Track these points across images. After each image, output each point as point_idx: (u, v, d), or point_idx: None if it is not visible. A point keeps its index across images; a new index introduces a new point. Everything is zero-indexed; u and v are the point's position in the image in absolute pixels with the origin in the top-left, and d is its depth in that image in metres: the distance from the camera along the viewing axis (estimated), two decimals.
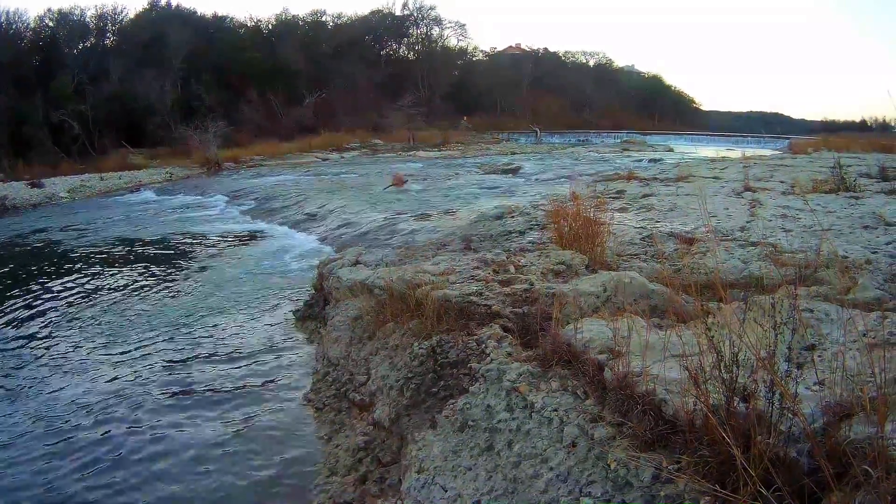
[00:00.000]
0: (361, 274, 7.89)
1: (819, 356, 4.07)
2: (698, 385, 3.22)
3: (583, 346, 4.56)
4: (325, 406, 6.60)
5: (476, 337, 5.40)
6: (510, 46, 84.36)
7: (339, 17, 70.44)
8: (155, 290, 11.75)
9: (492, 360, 4.97)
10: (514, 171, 26.81)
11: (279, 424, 6.52)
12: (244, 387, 7.37)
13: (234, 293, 11.17)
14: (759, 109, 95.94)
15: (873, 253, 7.24)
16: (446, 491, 4.28)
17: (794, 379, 3.10)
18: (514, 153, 39.71)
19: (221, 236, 17.25)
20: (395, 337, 6.18)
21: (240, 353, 8.39)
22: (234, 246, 15.90)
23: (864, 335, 4.35)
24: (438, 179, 23.95)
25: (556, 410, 4.05)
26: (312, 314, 9.05)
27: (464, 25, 78.23)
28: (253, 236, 17.06)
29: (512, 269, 7.01)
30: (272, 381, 7.50)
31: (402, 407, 5.40)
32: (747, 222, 9.41)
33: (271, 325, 9.42)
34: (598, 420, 3.82)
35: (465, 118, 61.18)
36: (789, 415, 3.07)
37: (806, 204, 10.54)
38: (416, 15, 71.05)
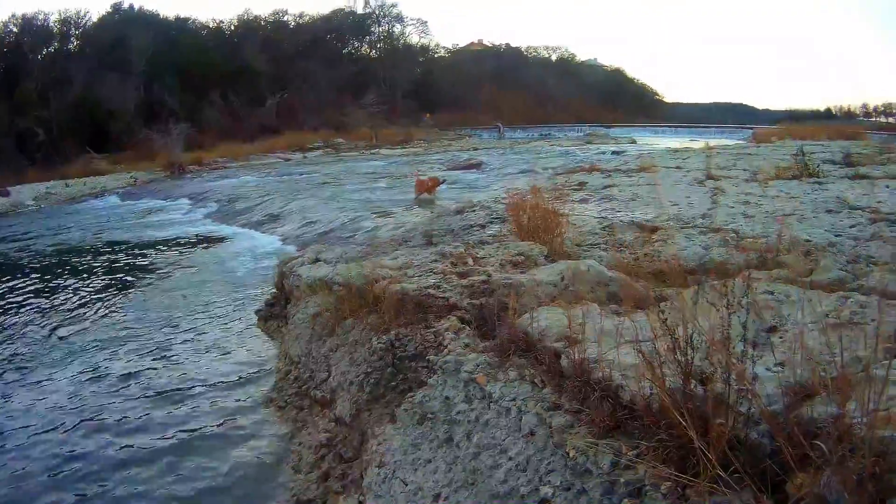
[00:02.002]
0: (321, 271, 7.79)
1: (780, 338, 4.03)
2: (653, 368, 3.17)
3: (539, 334, 4.48)
4: (288, 404, 6.48)
5: (434, 329, 5.30)
6: (472, 43, 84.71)
7: (300, 16, 70.32)
8: (117, 295, 11.52)
9: (449, 351, 4.88)
10: (477, 167, 26.68)
11: (242, 424, 6.40)
12: (206, 389, 7.22)
13: (197, 296, 11.00)
14: (723, 101, 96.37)
15: (837, 236, 7.24)
16: (407, 485, 4.20)
17: (750, 359, 3.05)
18: (476, 149, 39.62)
19: (185, 240, 17.06)
20: (354, 332, 6.08)
21: (201, 355, 8.26)
22: (198, 249, 15.72)
23: (826, 316, 4.33)
24: (401, 177, 23.76)
25: (514, 400, 3.97)
26: (274, 313, 8.91)
27: (426, 22, 78.45)
28: (216, 239, 16.88)
29: (470, 261, 6.91)
30: (234, 382, 7.36)
31: (362, 402, 5.31)
32: (709, 209, 9.38)
33: (234, 326, 9.30)
34: (556, 408, 3.74)
35: (427, 115, 61.24)
36: (748, 396, 3.04)
37: (768, 190, 10.57)
38: (377, 13, 71.17)
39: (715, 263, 6.46)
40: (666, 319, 3.19)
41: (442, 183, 17.90)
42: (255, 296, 10.43)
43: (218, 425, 6.44)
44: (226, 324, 9.43)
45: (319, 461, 5.40)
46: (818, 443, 2.60)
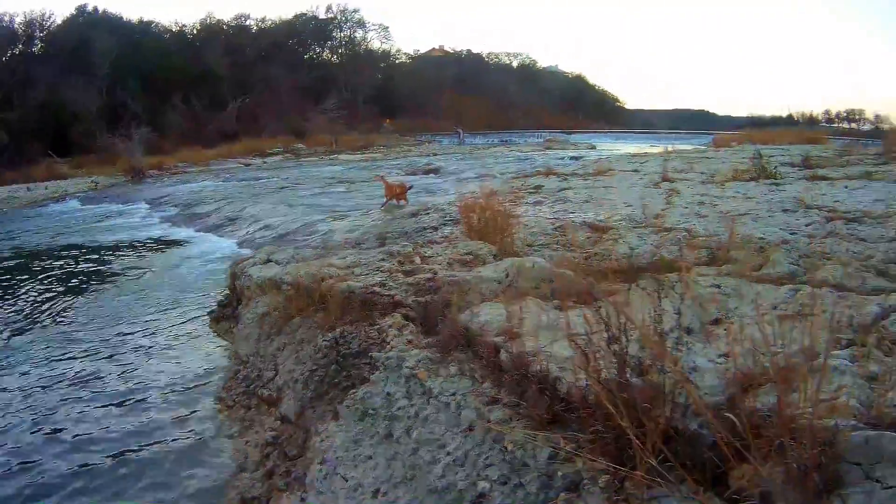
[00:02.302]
0: (271, 271, 7.68)
1: (725, 329, 4.01)
2: (587, 359, 3.11)
3: (480, 329, 4.42)
4: (236, 404, 6.35)
5: (378, 326, 5.21)
6: (433, 49, 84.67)
7: (262, 20, 69.61)
8: (71, 299, 11.20)
9: (392, 348, 4.79)
10: (435, 171, 26.50)
11: (190, 425, 6.28)
12: (157, 391, 7.06)
13: (151, 299, 10.80)
14: (684, 107, 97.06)
15: (792, 234, 7.19)
16: (347, 481, 4.11)
17: (684, 347, 3.02)
18: (435, 154, 39.33)
19: (141, 243, 16.76)
20: (301, 331, 5.98)
21: (153, 357, 8.10)
22: (154, 252, 15.44)
23: (775, 308, 4.32)
24: (359, 182, 23.62)
25: (454, 395, 3.90)
26: (226, 314, 8.75)
27: (387, 28, 78.10)
28: (173, 242, 16.63)
29: (417, 260, 6.82)
30: (184, 383, 7.21)
31: (306, 400, 5.21)
32: (662, 210, 9.33)
33: (186, 327, 9.15)
34: (494, 402, 3.68)
35: (387, 121, 61.00)
36: (684, 386, 3.00)
37: (724, 191, 10.59)
38: (339, 18, 70.76)
39: (665, 261, 6.43)
40: (600, 308, 3.15)
41: (410, 188, 16.14)
42: (209, 298, 10.24)
43: (167, 427, 6.30)
44: (179, 326, 9.26)
45: (265, 459, 5.29)
46: (758, 433, 2.57)
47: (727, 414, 2.72)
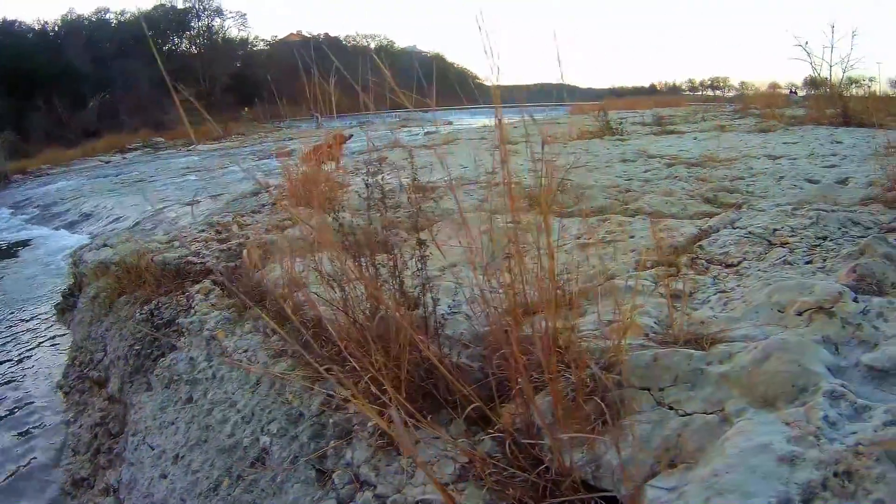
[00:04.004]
0: (103, 254, 7.37)
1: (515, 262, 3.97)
2: (343, 293, 2.98)
3: (272, 284, 4.30)
4: (72, 389, 6.02)
5: (187, 294, 5.03)
6: (291, 34, 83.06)
7: (122, 13, 66.71)
8: None
9: (195, 312, 4.60)
10: (288, 154, 26.35)
11: (30, 416, 6.04)
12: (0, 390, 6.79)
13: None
14: (546, 81, 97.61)
15: (627, 181, 7.20)
16: (153, 449, 3.85)
17: (419, 276, 2.92)
18: (292, 139, 39.20)
19: None
20: (125, 309, 5.67)
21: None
22: (7, 254, 14.85)
23: (578, 238, 4.29)
24: (213, 170, 23.24)
25: (245, 352, 3.70)
26: (70, 304, 8.49)
27: (244, 15, 76.59)
28: (28, 242, 15.90)
29: (235, 228, 6.62)
30: (26, 378, 6.91)
31: (126, 375, 4.99)
32: (496, 169, 9.36)
33: (33, 323, 8.77)
34: (281, 354, 3.52)
35: (245, 109, 60.02)
36: (459, 318, 2.90)
37: (565, 149, 10.64)
38: (197, 7, 68.34)
39: (489, 211, 6.43)
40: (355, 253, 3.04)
41: (349, 139, 11.95)
42: (56, 292, 9.89)
43: (4, 421, 6.08)
44: (26, 323, 8.82)
45: (93, 440, 5.04)
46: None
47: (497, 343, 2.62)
